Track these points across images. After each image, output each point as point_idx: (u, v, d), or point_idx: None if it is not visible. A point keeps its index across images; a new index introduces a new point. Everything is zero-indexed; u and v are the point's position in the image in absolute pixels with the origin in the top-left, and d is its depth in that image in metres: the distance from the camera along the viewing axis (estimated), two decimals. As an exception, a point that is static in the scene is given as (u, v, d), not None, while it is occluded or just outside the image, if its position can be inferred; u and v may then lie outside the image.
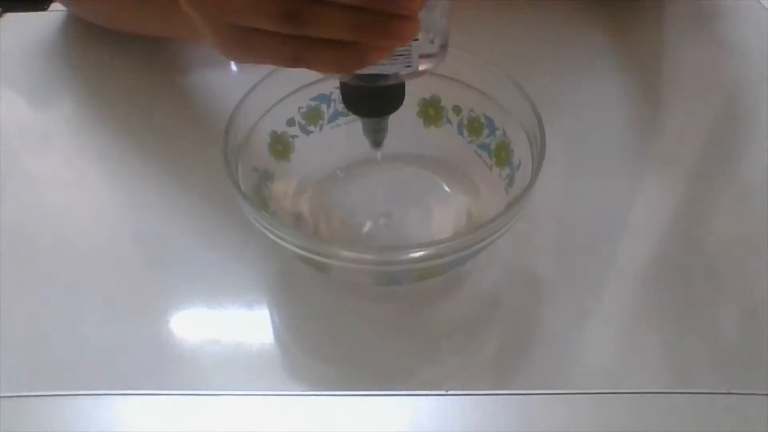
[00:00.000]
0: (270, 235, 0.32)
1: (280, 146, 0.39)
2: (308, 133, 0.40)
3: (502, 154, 0.38)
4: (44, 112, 0.49)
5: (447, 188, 0.40)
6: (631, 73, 0.50)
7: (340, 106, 0.40)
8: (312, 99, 0.40)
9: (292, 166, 0.40)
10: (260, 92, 0.37)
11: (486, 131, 0.39)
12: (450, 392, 0.31)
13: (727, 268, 0.38)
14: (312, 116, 0.40)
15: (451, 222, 0.39)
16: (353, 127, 0.40)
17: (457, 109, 0.40)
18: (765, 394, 0.32)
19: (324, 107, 0.40)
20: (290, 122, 0.39)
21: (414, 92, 0.40)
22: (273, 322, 0.37)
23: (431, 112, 0.41)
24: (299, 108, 0.39)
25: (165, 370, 0.34)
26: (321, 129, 0.40)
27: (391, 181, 0.41)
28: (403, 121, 0.40)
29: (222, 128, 0.35)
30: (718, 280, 0.37)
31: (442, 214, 0.39)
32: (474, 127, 0.40)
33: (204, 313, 0.37)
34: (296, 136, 0.40)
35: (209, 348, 0.35)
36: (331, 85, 0.40)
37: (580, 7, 0.55)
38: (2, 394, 0.32)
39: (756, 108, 0.47)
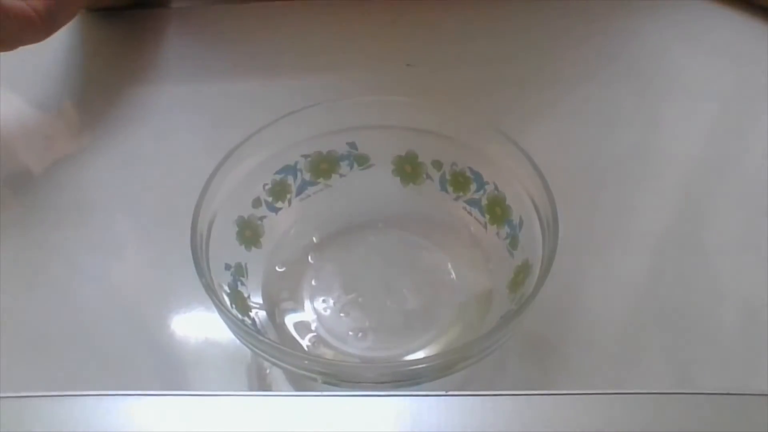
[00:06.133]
0: (262, 355, 0.29)
1: (249, 232, 0.35)
2: (276, 210, 0.36)
3: (496, 211, 0.35)
4: (44, 112, 0.49)
5: (440, 252, 0.36)
6: (631, 76, 0.49)
7: (308, 175, 0.36)
8: (276, 173, 0.36)
9: (263, 252, 0.36)
10: (220, 178, 0.33)
11: (474, 186, 0.36)
12: (450, 392, 0.31)
13: (727, 268, 0.38)
14: (278, 191, 0.36)
15: (452, 292, 0.35)
16: (323, 195, 0.37)
17: (438, 164, 0.36)
18: (765, 394, 0.32)
19: (290, 179, 0.36)
20: (256, 203, 0.35)
21: (386, 150, 0.37)
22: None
23: (408, 169, 0.37)
24: (264, 185, 0.36)
25: (165, 370, 0.34)
26: (290, 204, 0.37)
27: (376, 251, 0.37)
28: (377, 183, 0.37)
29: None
30: (718, 280, 0.37)
31: (439, 282, 0.36)
32: (459, 182, 0.36)
33: (204, 314, 0.36)
34: (264, 217, 0.36)
35: (209, 348, 0.35)
36: (296, 155, 0.36)
37: (577, 14, 0.54)
38: (2, 394, 0.32)
39: (757, 110, 0.47)
